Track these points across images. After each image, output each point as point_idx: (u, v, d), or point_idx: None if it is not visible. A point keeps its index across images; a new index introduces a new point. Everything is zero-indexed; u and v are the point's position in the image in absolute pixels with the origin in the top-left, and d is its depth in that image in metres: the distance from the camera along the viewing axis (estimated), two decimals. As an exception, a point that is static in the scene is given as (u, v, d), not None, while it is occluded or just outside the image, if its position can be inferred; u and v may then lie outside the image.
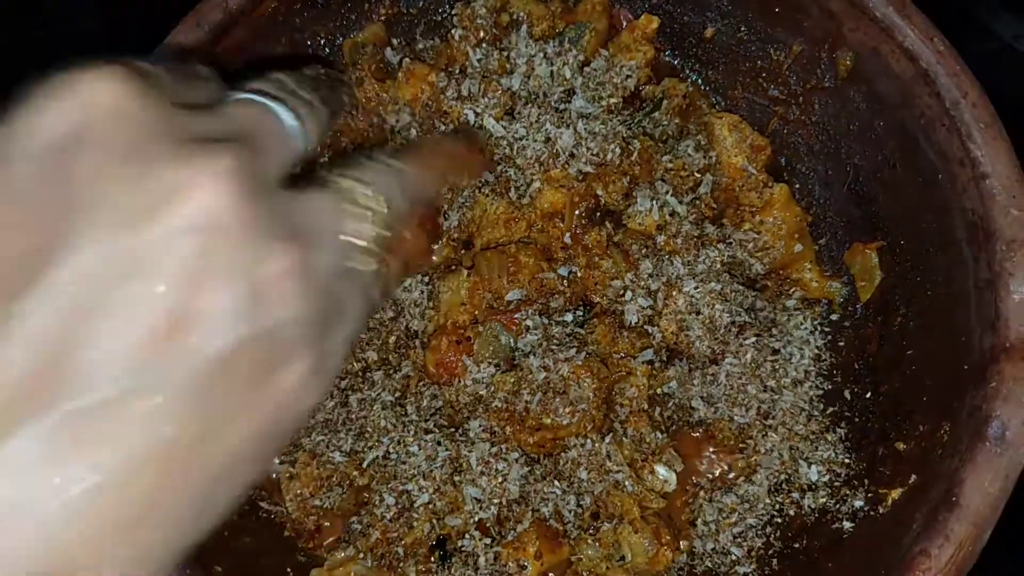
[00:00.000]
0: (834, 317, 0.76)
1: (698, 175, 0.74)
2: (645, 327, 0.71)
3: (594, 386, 0.66)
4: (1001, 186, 0.62)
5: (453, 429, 0.69)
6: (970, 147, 0.64)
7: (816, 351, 0.74)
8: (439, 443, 0.67)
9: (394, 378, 0.71)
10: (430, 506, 0.65)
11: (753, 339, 0.70)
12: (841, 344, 0.75)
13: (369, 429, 0.69)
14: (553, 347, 0.66)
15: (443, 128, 0.73)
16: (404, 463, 0.66)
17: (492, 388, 0.68)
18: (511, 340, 0.69)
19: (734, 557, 0.68)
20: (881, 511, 0.63)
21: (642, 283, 0.71)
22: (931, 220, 0.68)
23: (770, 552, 0.67)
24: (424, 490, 0.65)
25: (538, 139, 0.71)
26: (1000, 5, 0.95)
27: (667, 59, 0.84)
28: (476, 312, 0.70)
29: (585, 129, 0.70)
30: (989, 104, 0.64)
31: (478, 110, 0.72)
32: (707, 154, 0.75)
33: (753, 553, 0.68)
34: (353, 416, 0.70)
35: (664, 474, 0.67)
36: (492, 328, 0.69)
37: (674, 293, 0.69)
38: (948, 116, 0.65)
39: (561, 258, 0.72)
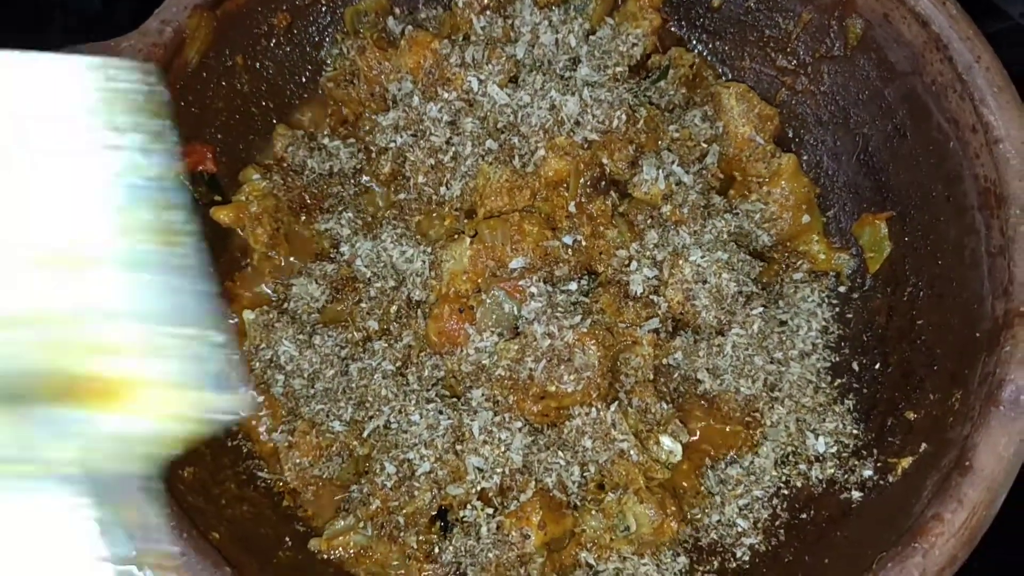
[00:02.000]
0: (842, 289, 0.75)
1: (704, 145, 0.73)
2: (651, 297, 0.70)
3: (599, 353, 0.64)
4: (1015, 150, 0.61)
5: (455, 398, 0.68)
6: (983, 112, 0.63)
7: (824, 323, 0.73)
8: (441, 412, 0.66)
9: (395, 348, 0.70)
10: (431, 475, 0.64)
11: (760, 310, 0.69)
12: (849, 316, 0.74)
13: (370, 398, 0.67)
14: (558, 315, 0.65)
15: (445, 95, 0.72)
16: (405, 432, 0.65)
17: (495, 356, 0.66)
18: (515, 308, 0.67)
19: (740, 529, 0.67)
20: (891, 480, 0.62)
21: (647, 253, 0.70)
22: (942, 188, 0.67)
23: (777, 523, 0.66)
24: (425, 459, 0.64)
25: (543, 106, 0.69)
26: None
27: (674, 30, 0.82)
28: (479, 280, 0.69)
29: (591, 96, 0.69)
30: (1002, 69, 0.64)
31: (482, 77, 0.71)
32: (714, 124, 0.74)
33: (759, 524, 0.67)
34: (353, 385, 0.68)
35: (669, 445, 0.66)
36: (495, 296, 0.68)
37: (680, 262, 0.68)
38: (961, 81, 0.64)
39: (565, 227, 0.71)
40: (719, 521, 0.67)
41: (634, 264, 0.70)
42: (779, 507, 0.67)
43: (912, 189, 0.70)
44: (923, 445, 0.61)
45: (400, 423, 0.66)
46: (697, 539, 0.67)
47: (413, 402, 0.66)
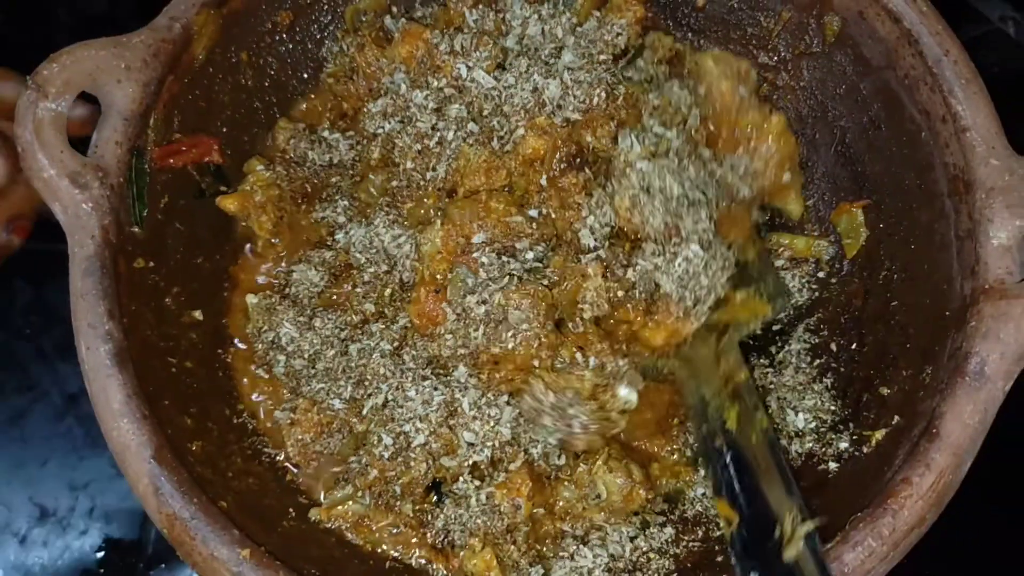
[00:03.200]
0: (821, 275, 0.78)
1: (685, 110, 0.76)
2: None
3: (531, 304, 0.67)
4: (981, 138, 0.64)
5: (448, 376, 0.71)
6: (951, 102, 0.66)
7: (805, 307, 0.77)
8: (436, 388, 0.68)
9: (392, 329, 0.73)
10: (426, 447, 0.67)
11: (707, 221, 0.69)
12: (828, 299, 0.77)
13: (368, 377, 0.70)
14: (490, 282, 0.69)
15: (435, 83, 0.76)
16: (401, 407, 0.68)
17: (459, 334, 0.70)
18: (476, 282, 0.70)
19: (723, 501, 0.69)
20: (865, 451, 0.65)
21: (603, 199, 0.72)
22: (914, 177, 0.70)
23: (758, 495, 0.69)
24: (420, 432, 0.67)
25: (526, 88, 0.73)
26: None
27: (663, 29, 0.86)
28: (451, 259, 0.72)
29: (571, 79, 0.73)
30: (969, 61, 0.67)
31: (470, 64, 0.74)
32: (693, 90, 0.77)
33: (741, 496, 0.69)
34: (353, 365, 0.71)
35: (624, 394, 0.68)
36: (458, 272, 0.71)
37: (628, 171, 0.71)
38: (931, 74, 0.68)
39: (535, 202, 0.74)
40: (703, 494, 0.70)
41: (586, 210, 0.72)
42: (761, 480, 0.70)
43: (887, 178, 0.73)
44: (896, 418, 0.64)
45: (397, 399, 0.69)
46: (683, 512, 0.70)
47: (410, 379, 0.69)
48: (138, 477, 0.58)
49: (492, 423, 0.68)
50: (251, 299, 0.75)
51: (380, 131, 0.77)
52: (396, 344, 0.72)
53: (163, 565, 0.89)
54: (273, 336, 0.73)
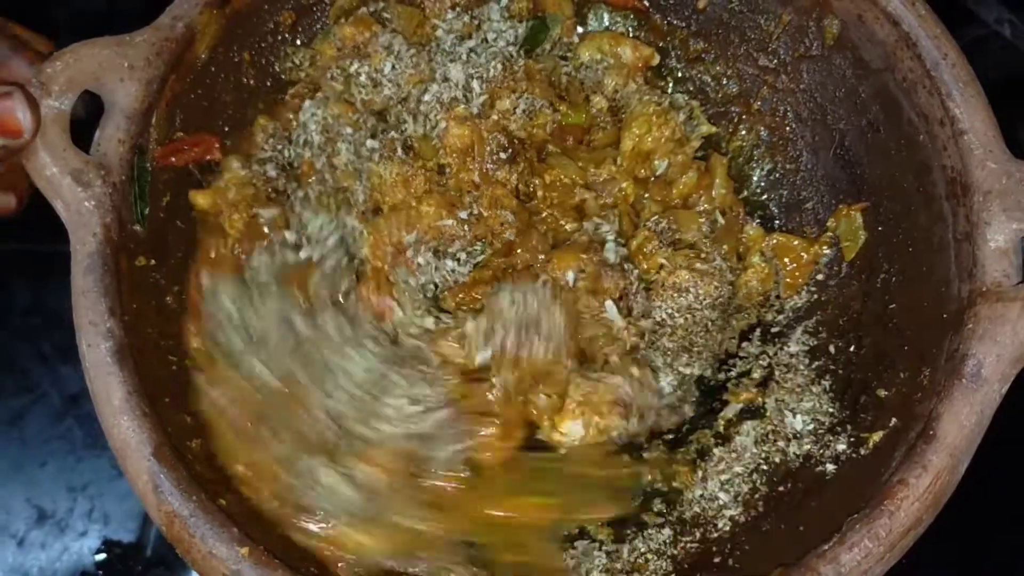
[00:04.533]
0: (820, 277, 0.78)
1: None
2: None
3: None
4: (978, 140, 0.64)
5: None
6: (949, 105, 0.66)
7: (803, 310, 0.77)
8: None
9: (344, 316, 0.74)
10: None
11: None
12: (826, 302, 0.77)
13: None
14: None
15: (355, 66, 0.79)
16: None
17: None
18: (418, 280, 0.74)
19: (721, 502, 0.70)
20: (863, 452, 0.65)
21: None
22: (913, 180, 0.71)
23: (756, 496, 0.70)
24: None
25: (437, 78, 0.77)
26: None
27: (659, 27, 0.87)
28: (384, 265, 0.74)
29: (469, 55, 0.78)
30: (967, 65, 0.67)
31: (397, 65, 0.78)
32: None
33: (740, 498, 0.70)
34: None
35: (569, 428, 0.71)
36: (397, 274, 0.73)
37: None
38: (929, 77, 0.68)
39: (466, 202, 0.76)
40: (702, 495, 0.71)
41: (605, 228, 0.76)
42: (759, 481, 0.70)
43: (885, 181, 0.74)
44: (893, 420, 0.64)
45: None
46: (681, 512, 0.71)
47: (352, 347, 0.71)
48: (137, 474, 0.58)
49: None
50: (205, 279, 0.74)
51: (308, 137, 0.79)
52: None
53: (162, 567, 0.90)
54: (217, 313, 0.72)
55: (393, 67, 0.78)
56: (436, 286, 0.75)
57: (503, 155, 0.76)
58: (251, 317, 0.71)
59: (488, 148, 0.75)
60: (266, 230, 0.76)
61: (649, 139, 0.80)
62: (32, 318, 0.98)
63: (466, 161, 0.76)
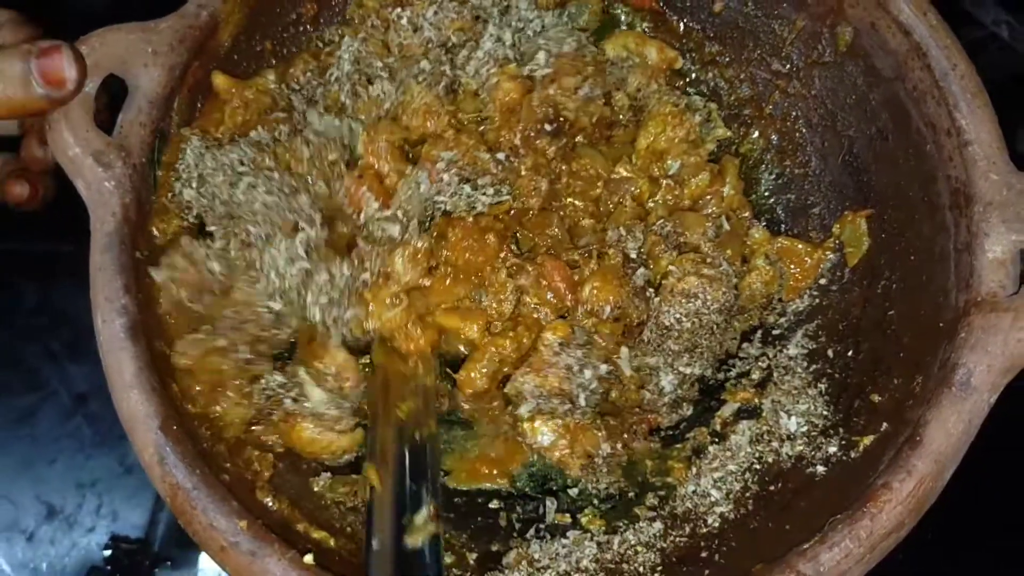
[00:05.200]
0: (823, 281, 0.79)
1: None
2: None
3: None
4: (983, 152, 0.65)
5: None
6: (956, 116, 0.67)
7: (804, 314, 0.78)
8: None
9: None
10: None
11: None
12: (827, 306, 0.78)
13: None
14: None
15: (396, 12, 0.81)
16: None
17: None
18: (430, 190, 0.75)
19: (713, 499, 0.71)
20: (853, 456, 0.66)
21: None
22: (918, 189, 0.71)
23: (747, 494, 0.70)
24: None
25: (493, 35, 0.79)
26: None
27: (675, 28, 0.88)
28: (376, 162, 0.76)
29: (542, 34, 0.80)
30: (976, 76, 0.67)
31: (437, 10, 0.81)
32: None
33: (731, 495, 0.71)
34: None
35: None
36: (417, 173, 0.75)
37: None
38: (938, 88, 0.68)
39: (504, 147, 0.78)
40: (694, 492, 0.72)
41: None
42: (750, 480, 0.71)
43: (891, 189, 0.74)
44: (884, 425, 0.65)
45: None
46: (673, 507, 0.72)
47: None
48: (144, 446, 0.61)
49: None
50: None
51: (339, 73, 0.81)
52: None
53: (169, 563, 0.91)
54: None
55: (436, 12, 0.81)
56: (439, 211, 0.76)
57: (548, 127, 0.78)
58: (207, 163, 0.73)
59: (535, 116, 0.77)
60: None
61: (663, 139, 0.81)
62: (39, 317, 1.00)
63: (510, 120, 0.78)
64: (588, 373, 0.74)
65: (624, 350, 0.75)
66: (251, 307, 0.71)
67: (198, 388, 0.68)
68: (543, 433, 0.73)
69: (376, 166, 0.76)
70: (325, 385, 0.73)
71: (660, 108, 0.82)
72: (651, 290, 0.78)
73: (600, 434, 0.72)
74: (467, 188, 0.75)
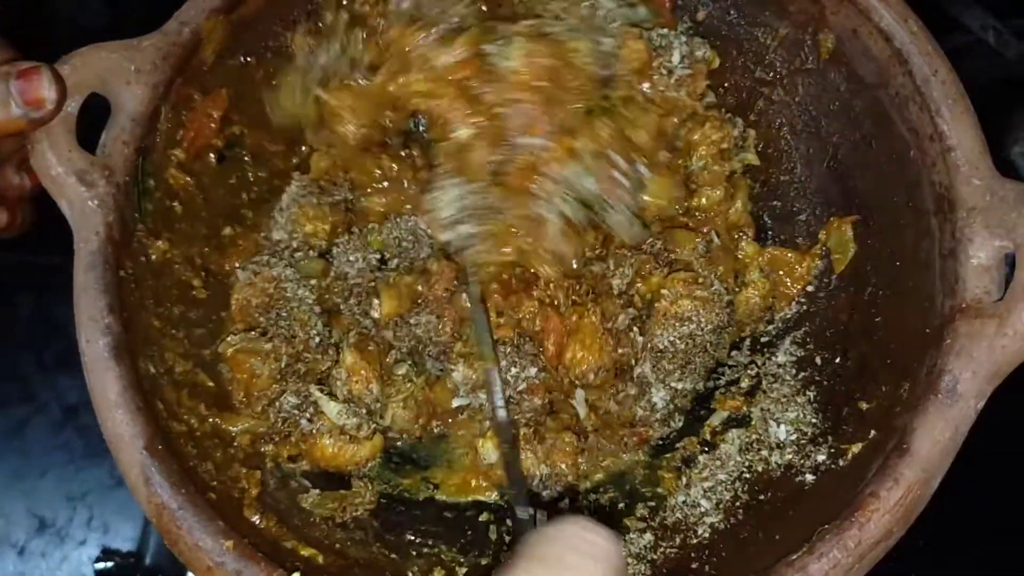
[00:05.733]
0: (810, 288, 0.79)
1: None
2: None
3: None
4: (965, 157, 0.65)
5: None
6: (938, 122, 0.67)
7: (792, 321, 0.78)
8: None
9: None
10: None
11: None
12: (815, 313, 0.78)
13: None
14: None
15: None
16: None
17: None
18: None
19: (703, 509, 0.71)
20: (841, 464, 0.66)
21: None
22: (903, 194, 0.71)
23: (737, 504, 0.70)
24: None
25: None
26: (971, -1, 1.00)
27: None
28: None
29: None
30: (958, 81, 0.67)
31: None
32: None
33: (721, 505, 0.71)
34: None
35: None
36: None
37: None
38: (919, 94, 0.68)
39: None
40: (684, 502, 0.72)
41: None
42: (740, 489, 0.71)
43: (876, 195, 0.74)
44: (872, 432, 0.64)
45: None
46: (663, 518, 0.72)
47: None
48: (130, 466, 0.60)
49: None
50: None
51: None
52: None
53: (160, 575, 0.91)
54: None
55: None
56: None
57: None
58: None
59: None
60: None
61: (699, 132, 0.81)
62: (34, 329, 1.00)
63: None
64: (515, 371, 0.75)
65: (579, 392, 0.75)
66: (304, 326, 0.74)
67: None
68: (489, 451, 0.73)
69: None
70: (339, 394, 0.75)
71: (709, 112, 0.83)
72: (635, 329, 0.78)
73: (534, 456, 0.73)
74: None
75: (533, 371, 0.75)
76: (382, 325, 0.79)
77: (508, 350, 0.75)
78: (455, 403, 0.78)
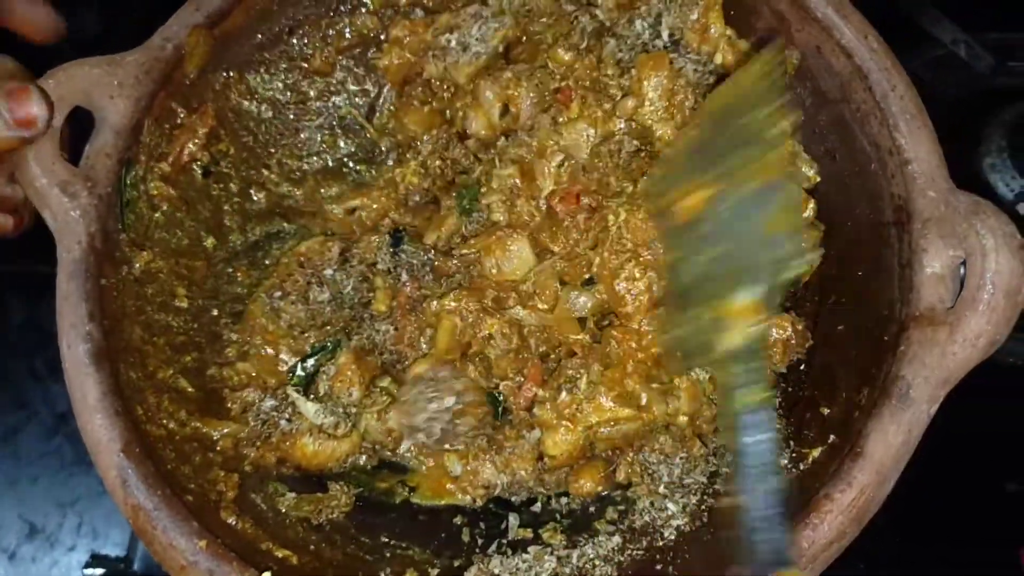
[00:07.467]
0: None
1: None
2: None
3: None
4: (921, 170, 0.67)
5: None
6: (896, 136, 0.69)
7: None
8: None
9: None
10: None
11: None
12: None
13: None
14: None
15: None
16: None
17: None
18: None
19: (670, 512, 0.72)
20: (802, 467, 0.67)
21: None
22: (865, 206, 0.73)
23: (702, 508, 0.72)
24: None
25: None
26: (942, 12, 1.01)
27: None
28: None
29: None
30: (916, 96, 0.69)
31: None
32: None
33: (687, 509, 0.72)
34: None
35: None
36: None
37: None
38: (879, 109, 0.70)
39: None
40: (652, 504, 0.73)
41: None
42: (705, 492, 0.73)
43: (840, 206, 0.76)
44: (831, 437, 0.66)
45: None
46: (632, 521, 0.73)
47: None
48: (107, 469, 0.62)
49: None
50: None
51: None
52: None
53: None
54: None
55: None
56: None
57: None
58: None
59: None
60: None
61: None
62: (26, 337, 1.02)
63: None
64: (434, 405, 0.76)
65: (536, 432, 0.76)
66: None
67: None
68: (454, 464, 0.75)
69: None
70: (320, 388, 0.76)
71: None
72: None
73: (492, 466, 0.74)
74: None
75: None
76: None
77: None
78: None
